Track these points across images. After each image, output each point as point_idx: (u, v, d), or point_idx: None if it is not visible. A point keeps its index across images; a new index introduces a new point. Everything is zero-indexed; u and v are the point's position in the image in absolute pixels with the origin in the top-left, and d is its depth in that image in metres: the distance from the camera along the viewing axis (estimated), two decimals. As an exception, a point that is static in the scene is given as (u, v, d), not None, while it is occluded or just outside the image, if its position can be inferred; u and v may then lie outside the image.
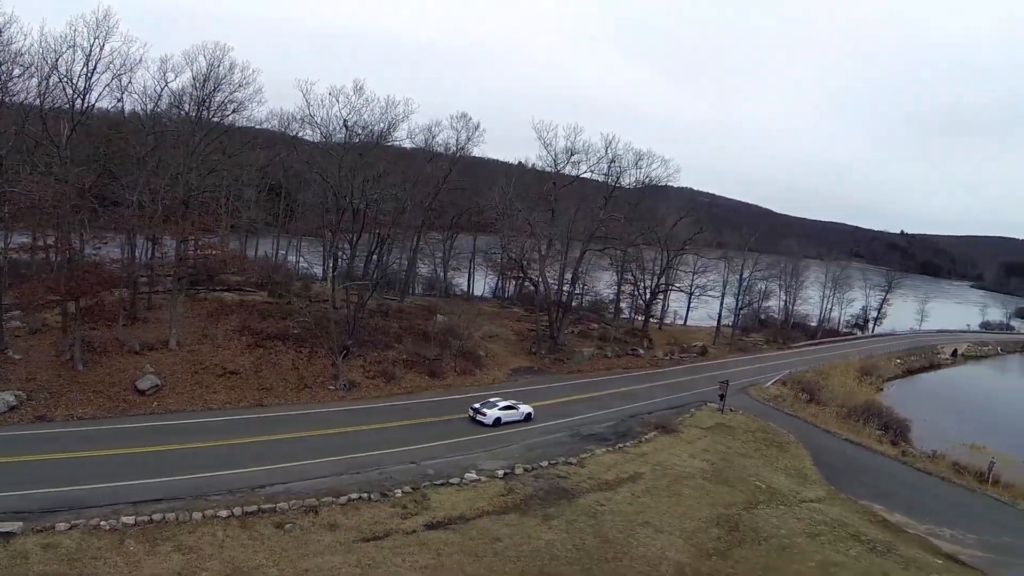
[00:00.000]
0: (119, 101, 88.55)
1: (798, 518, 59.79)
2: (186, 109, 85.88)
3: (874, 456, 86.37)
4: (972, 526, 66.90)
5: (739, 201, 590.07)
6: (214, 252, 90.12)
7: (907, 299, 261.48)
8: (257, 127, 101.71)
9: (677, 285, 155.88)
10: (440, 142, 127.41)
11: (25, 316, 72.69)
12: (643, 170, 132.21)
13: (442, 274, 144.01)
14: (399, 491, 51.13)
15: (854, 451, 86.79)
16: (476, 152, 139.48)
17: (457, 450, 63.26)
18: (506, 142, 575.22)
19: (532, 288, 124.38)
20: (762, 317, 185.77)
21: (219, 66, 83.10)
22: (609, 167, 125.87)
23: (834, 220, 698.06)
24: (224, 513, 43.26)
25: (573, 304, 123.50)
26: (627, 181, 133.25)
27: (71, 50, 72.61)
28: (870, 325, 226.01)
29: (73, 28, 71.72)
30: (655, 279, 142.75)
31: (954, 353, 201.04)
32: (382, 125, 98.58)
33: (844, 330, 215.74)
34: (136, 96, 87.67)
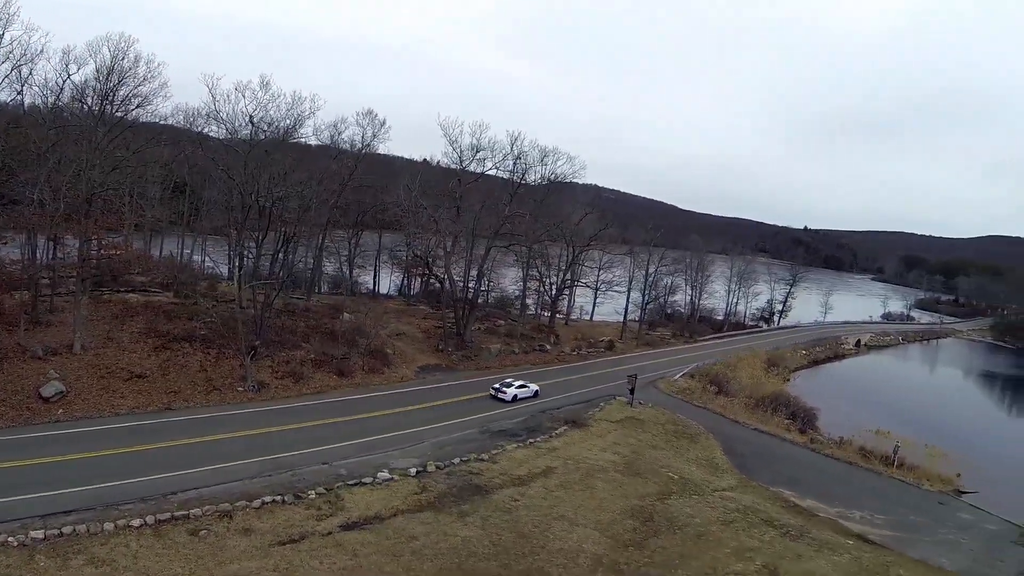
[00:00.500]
0: (19, 94, 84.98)
1: (711, 507, 61.70)
2: (89, 103, 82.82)
3: (783, 444, 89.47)
4: (880, 507, 70.30)
5: (645, 198, 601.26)
6: (118, 252, 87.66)
7: (811, 292, 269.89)
8: (162, 123, 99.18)
9: (583, 281, 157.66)
10: (346, 139, 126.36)
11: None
12: (548, 167, 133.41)
13: (348, 272, 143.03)
14: (313, 492, 51.14)
15: (764, 440, 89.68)
16: (382, 149, 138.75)
17: (369, 449, 63.37)
18: (412, 140, 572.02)
19: (438, 285, 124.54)
20: (669, 311, 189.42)
21: (123, 59, 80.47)
22: (515, 164, 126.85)
23: (739, 216, 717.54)
24: (137, 522, 42.59)
25: (479, 301, 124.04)
26: (532, 178, 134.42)
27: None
28: (776, 318, 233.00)
29: (-31, 16, 69.03)
30: (561, 275, 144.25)
31: (858, 343, 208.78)
32: (288, 122, 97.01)
33: (750, 323, 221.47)
34: (37, 88, 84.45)
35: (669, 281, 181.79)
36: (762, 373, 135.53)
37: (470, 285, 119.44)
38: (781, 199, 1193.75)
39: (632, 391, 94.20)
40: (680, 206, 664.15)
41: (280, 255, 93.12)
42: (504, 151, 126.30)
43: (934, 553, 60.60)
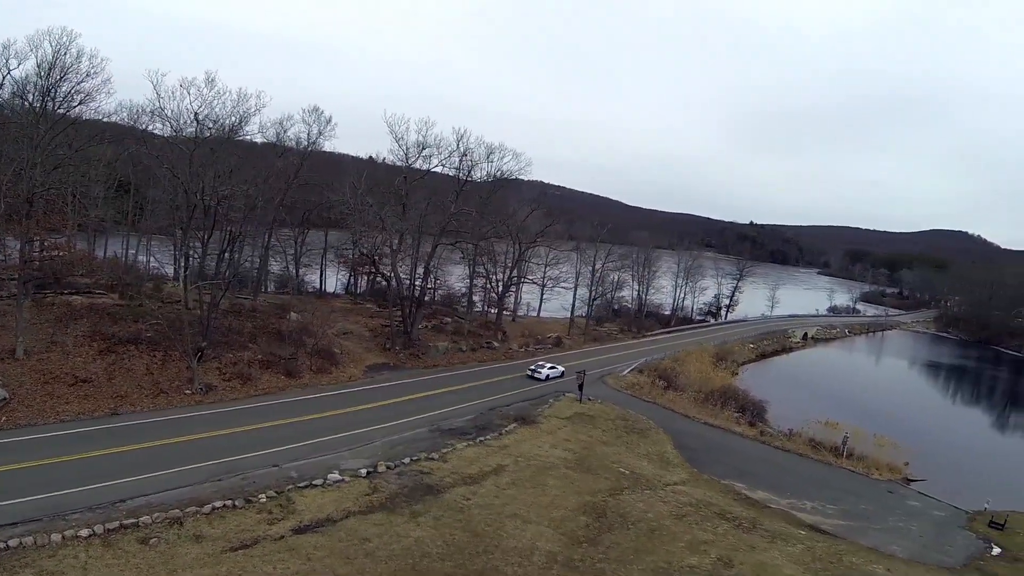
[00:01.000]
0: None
1: (664, 501, 62.73)
2: (30, 99, 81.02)
3: (733, 437, 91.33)
4: (831, 497, 72.68)
5: (591, 194, 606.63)
6: (61, 253, 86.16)
7: (758, 286, 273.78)
8: (105, 119, 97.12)
9: (530, 278, 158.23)
10: (291, 136, 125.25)
11: None
12: (495, 164, 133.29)
13: (294, 271, 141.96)
14: (264, 496, 50.86)
15: (714, 434, 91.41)
16: (328, 147, 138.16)
17: (320, 450, 63.19)
18: (359, 137, 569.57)
19: (384, 283, 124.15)
20: (616, 307, 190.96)
21: (66, 53, 78.64)
22: (461, 161, 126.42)
23: (685, 212, 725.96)
24: (85, 532, 41.94)
25: (426, 299, 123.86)
26: (479, 175, 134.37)
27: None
28: (723, 312, 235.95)
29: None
30: (507, 272, 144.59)
31: (804, 337, 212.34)
32: (233, 119, 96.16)
33: (697, 318, 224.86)
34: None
35: (616, 277, 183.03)
36: (710, 367, 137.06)
37: (417, 283, 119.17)
38: (727, 195, 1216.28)
39: (581, 387, 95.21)
40: (627, 202, 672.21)
41: (226, 254, 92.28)
42: (450, 148, 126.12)
43: (885, 540, 62.86)
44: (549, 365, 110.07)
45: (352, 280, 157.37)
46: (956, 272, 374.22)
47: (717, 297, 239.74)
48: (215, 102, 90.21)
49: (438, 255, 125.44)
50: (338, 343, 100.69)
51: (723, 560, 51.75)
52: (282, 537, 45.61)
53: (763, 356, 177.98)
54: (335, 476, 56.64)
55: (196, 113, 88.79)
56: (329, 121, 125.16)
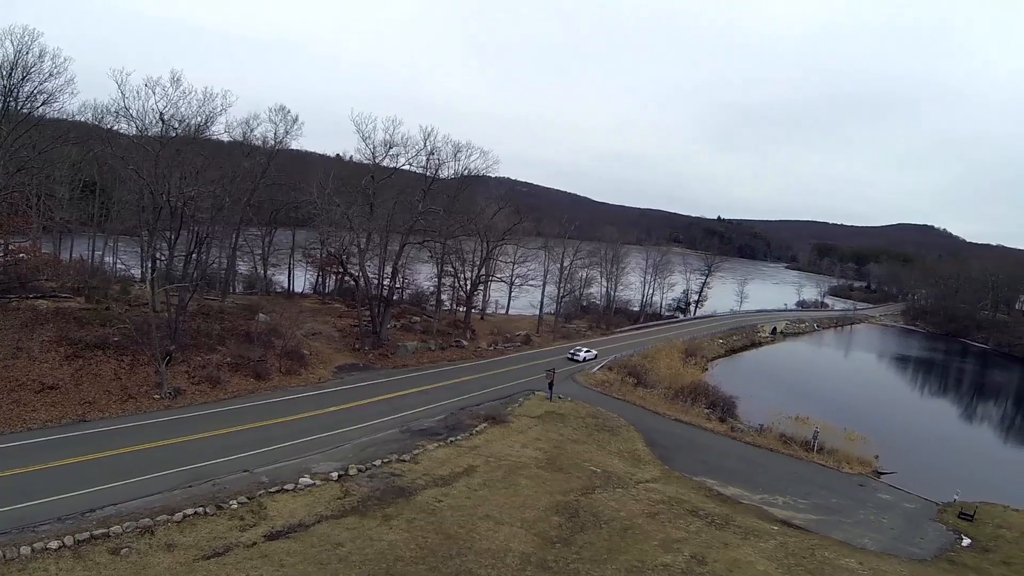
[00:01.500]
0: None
1: (636, 499, 63.13)
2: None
3: (704, 434, 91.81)
4: (803, 492, 73.36)
5: (558, 190, 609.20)
6: (26, 256, 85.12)
7: (726, 281, 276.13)
8: (70, 119, 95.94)
9: (498, 276, 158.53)
10: (258, 136, 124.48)
11: None
12: (462, 162, 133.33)
13: (262, 271, 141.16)
14: (235, 502, 50.61)
15: (684, 430, 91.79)
16: (295, 145, 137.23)
17: (290, 454, 63.02)
18: (327, 134, 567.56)
19: (353, 283, 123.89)
20: (584, 304, 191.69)
21: (28, 53, 77.96)
22: (428, 159, 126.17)
23: (653, 207, 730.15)
24: (55, 544, 41.36)
25: (395, 298, 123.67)
26: (446, 173, 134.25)
27: None
28: (692, 308, 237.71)
29: None
30: (476, 270, 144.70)
31: (774, 331, 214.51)
32: (199, 119, 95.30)
33: (666, 314, 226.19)
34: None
35: (585, 274, 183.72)
36: (680, 363, 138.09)
37: (385, 283, 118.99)
38: (695, 191, 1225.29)
39: (551, 385, 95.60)
40: (594, 198, 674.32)
41: (193, 256, 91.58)
42: (417, 147, 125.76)
43: (857, 534, 63.63)
44: (585, 349, 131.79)
45: (320, 280, 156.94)
46: (923, 266, 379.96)
47: (686, 293, 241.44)
48: (180, 102, 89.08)
49: (406, 254, 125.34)
50: (307, 344, 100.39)
51: (696, 558, 52.18)
52: (254, 544, 45.35)
53: (732, 351, 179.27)
54: (306, 480, 56.50)
55: (161, 113, 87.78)
56: (296, 120, 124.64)
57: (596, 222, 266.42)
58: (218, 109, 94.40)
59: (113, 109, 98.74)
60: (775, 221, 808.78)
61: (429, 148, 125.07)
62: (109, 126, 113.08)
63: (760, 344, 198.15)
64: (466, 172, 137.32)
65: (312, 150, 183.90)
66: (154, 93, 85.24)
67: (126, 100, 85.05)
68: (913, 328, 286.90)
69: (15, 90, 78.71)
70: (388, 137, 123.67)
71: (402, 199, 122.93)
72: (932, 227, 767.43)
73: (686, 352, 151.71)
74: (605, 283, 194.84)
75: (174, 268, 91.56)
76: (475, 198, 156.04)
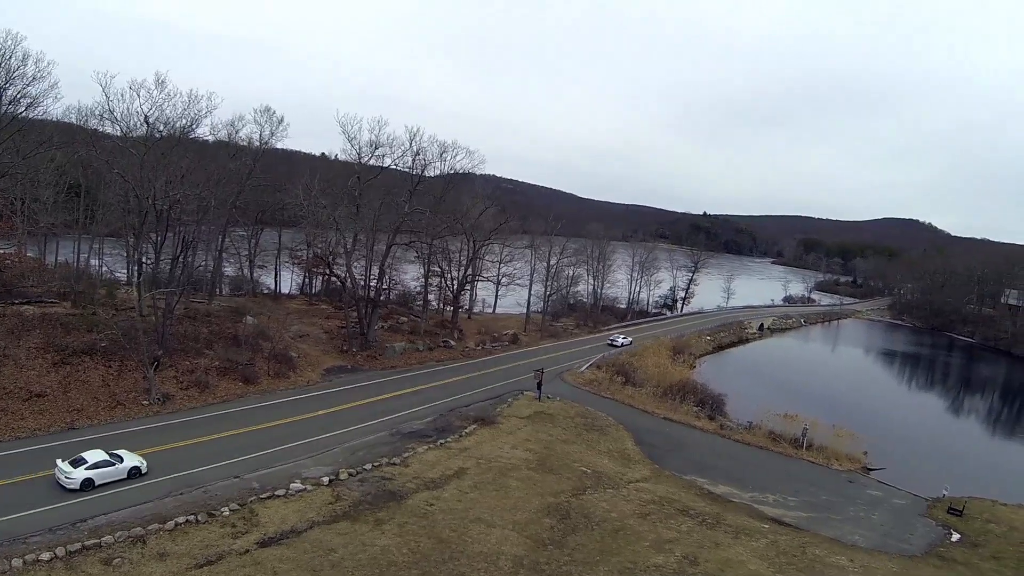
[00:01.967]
0: None
1: (627, 500, 63.51)
2: (-27, 104, 79.39)
3: (693, 432, 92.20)
4: (793, 490, 74.12)
5: (543, 187, 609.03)
6: (11, 262, 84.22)
7: (713, 277, 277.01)
8: (54, 121, 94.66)
9: (485, 275, 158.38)
10: (243, 137, 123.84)
11: None
12: (448, 162, 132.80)
13: (249, 273, 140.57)
14: (226, 509, 50.66)
15: (673, 429, 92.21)
16: (280, 144, 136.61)
17: (280, 459, 62.99)
18: (313, 133, 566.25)
19: (340, 284, 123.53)
20: (571, 302, 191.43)
21: (11, 57, 77.12)
22: (414, 160, 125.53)
23: (638, 203, 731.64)
24: (47, 556, 41.35)
25: (382, 298, 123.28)
26: (432, 173, 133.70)
27: None
28: (679, 305, 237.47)
29: None
30: (462, 270, 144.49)
31: (761, 327, 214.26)
32: (184, 121, 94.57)
33: (653, 311, 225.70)
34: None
35: (571, 272, 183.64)
36: (668, 361, 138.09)
37: (372, 283, 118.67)
38: (680, 186, 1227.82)
39: (540, 385, 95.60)
40: (579, 194, 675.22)
41: (180, 259, 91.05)
42: (403, 147, 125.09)
43: (847, 531, 64.41)
44: (623, 336, 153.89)
45: (307, 281, 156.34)
46: (908, 260, 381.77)
47: (672, 289, 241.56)
48: (165, 104, 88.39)
49: (392, 254, 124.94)
50: (295, 346, 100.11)
51: (688, 558, 52.56)
52: (247, 551, 45.42)
53: (720, 348, 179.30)
54: (297, 485, 56.55)
55: (146, 116, 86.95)
56: (281, 121, 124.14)
57: (581, 219, 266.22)
58: (203, 112, 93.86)
59: (97, 112, 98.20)
60: (761, 216, 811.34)
61: (415, 149, 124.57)
62: (94, 126, 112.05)
63: (748, 340, 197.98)
64: (451, 172, 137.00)
65: (297, 148, 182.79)
66: (139, 96, 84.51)
67: (110, 103, 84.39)
68: (899, 323, 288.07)
69: (-2, 94, 77.91)
70: (374, 138, 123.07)
71: (388, 200, 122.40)
72: (917, 221, 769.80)
73: (674, 349, 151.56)
74: (592, 281, 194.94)
75: (160, 271, 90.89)
76: (461, 197, 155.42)
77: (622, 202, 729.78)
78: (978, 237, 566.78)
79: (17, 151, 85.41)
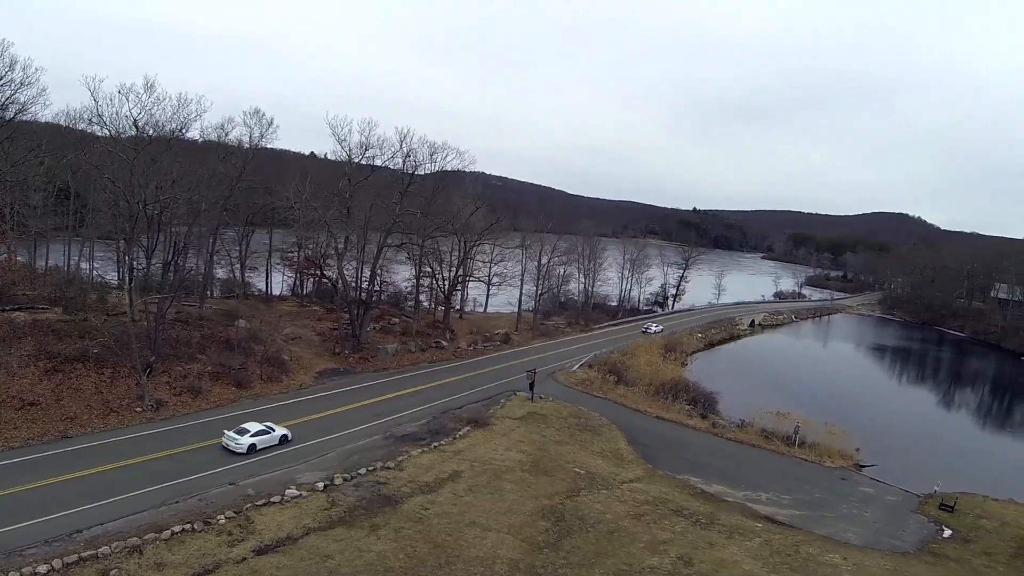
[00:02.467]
0: None
1: (621, 501, 63.56)
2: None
3: (686, 431, 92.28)
4: (785, 488, 74.17)
5: (533, 184, 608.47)
6: (2, 268, 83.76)
7: (704, 274, 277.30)
8: (43, 123, 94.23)
9: (476, 276, 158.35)
10: (233, 139, 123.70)
11: None
12: (438, 163, 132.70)
13: (240, 275, 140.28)
14: (222, 517, 50.61)
15: (666, 428, 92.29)
16: (270, 144, 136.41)
17: (274, 465, 62.96)
18: (303, 132, 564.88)
19: (331, 286, 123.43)
20: (563, 300, 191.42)
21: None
22: (404, 161, 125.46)
23: (628, 200, 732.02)
24: (43, 568, 41.23)
25: (373, 300, 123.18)
26: (423, 172, 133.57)
27: None
28: (670, 302, 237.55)
29: None
30: (453, 270, 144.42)
31: (752, 324, 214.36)
32: (174, 124, 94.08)
33: (645, 308, 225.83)
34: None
35: (562, 270, 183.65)
36: (660, 359, 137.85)
37: (363, 285, 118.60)
38: (669, 183, 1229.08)
39: (532, 386, 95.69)
40: (569, 191, 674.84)
41: (171, 263, 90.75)
42: (393, 148, 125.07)
43: (840, 528, 64.65)
44: (655, 325, 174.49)
45: (298, 282, 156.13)
46: (899, 254, 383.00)
47: (663, 286, 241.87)
48: (155, 108, 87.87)
49: (384, 255, 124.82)
50: (287, 349, 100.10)
51: (683, 559, 52.75)
52: (244, 559, 45.38)
53: (712, 345, 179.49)
54: (292, 491, 56.51)
55: (135, 120, 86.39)
56: (271, 123, 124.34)
57: (571, 215, 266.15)
58: (193, 114, 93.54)
59: (87, 116, 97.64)
60: (751, 211, 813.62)
61: (405, 150, 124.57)
62: (83, 128, 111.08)
63: (739, 337, 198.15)
64: (441, 171, 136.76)
65: (287, 148, 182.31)
66: (128, 100, 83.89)
67: (99, 107, 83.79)
68: (890, 317, 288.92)
69: (-15, 101, 77.61)
70: (364, 139, 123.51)
71: (379, 201, 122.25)
72: (907, 215, 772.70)
73: (665, 347, 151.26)
74: (583, 279, 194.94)
75: (151, 275, 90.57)
76: (452, 197, 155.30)
77: (611, 198, 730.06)
78: (968, 231, 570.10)
79: (6, 157, 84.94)
